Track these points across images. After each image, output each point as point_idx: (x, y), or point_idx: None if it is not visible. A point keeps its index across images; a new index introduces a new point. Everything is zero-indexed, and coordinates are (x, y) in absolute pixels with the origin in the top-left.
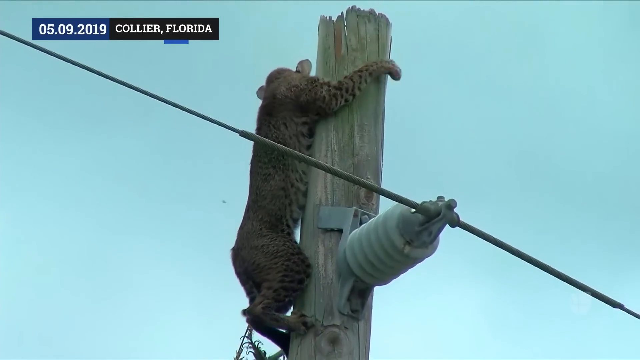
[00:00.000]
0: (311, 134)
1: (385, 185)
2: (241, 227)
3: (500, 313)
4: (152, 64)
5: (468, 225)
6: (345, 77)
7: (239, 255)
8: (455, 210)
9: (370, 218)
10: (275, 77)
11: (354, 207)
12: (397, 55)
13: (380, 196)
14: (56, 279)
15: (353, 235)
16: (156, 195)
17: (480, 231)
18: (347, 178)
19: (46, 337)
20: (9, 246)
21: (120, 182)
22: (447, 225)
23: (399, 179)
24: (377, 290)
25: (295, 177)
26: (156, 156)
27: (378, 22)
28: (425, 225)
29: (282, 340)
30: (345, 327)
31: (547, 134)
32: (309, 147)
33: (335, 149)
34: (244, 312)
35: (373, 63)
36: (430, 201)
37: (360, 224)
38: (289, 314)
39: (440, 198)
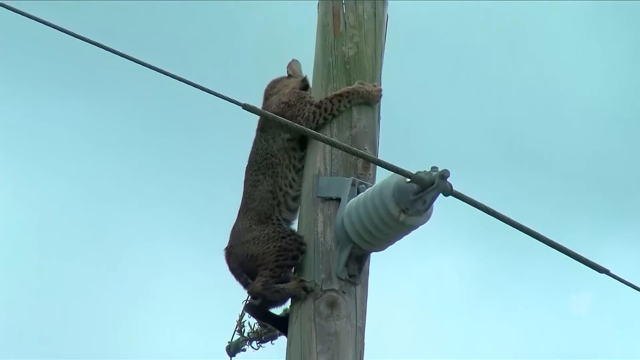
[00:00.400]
0: (302, 147)
1: (381, 156)
2: (233, 228)
3: (489, 276)
4: (155, 36)
5: (461, 194)
6: (326, 98)
7: (231, 253)
8: (448, 180)
9: (367, 187)
10: (269, 93)
11: (352, 177)
12: (394, 34)
13: (377, 166)
14: (51, 248)
15: (351, 203)
16: (157, 167)
17: (473, 200)
18: (345, 149)
19: (43, 308)
20: (3, 216)
21: (121, 153)
22: (441, 194)
23: (395, 151)
24: (374, 256)
25: (284, 183)
26: (158, 128)
27: (375, 1)
28: (419, 194)
29: (281, 324)
30: (343, 292)
31: (534, 111)
32: (301, 159)
33: (334, 121)
34: (248, 294)
35: (353, 91)
36: (425, 171)
37: (358, 193)
38: None
39: (434, 168)
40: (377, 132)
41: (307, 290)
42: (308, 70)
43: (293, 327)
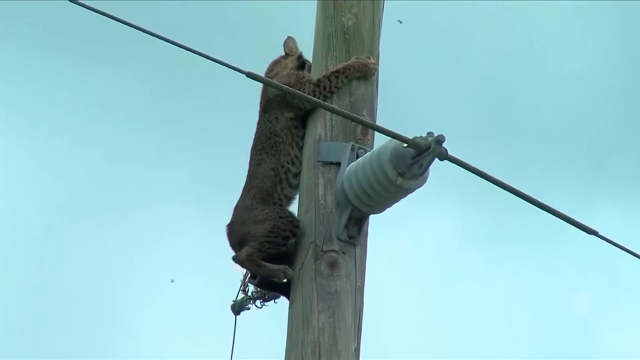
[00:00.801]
0: (303, 125)
1: (379, 122)
2: (236, 205)
3: (480, 236)
4: (163, 6)
5: (456, 158)
6: (324, 76)
7: (232, 230)
8: (443, 144)
9: (365, 152)
10: (268, 76)
11: (351, 142)
12: (391, 4)
13: (375, 132)
14: (61, 209)
15: (350, 168)
16: (164, 131)
17: (467, 164)
18: (344, 115)
19: (51, 263)
20: (15, 179)
21: (129, 118)
22: (437, 158)
23: (392, 117)
24: (372, 219)
25: (286, 160)
26: (165, 95)
27: None
28: (416, 158)
29: (284, 289)
30: (343, 252)
31: (521, 80)
32: (303, 136)
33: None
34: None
35: (349, 66)
36: (421, 136)
37: (357, 157)
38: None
39: (430, 134)
40: (375, 100)
41: (287, 276)
42: (309, 40)
43: (295, 286)
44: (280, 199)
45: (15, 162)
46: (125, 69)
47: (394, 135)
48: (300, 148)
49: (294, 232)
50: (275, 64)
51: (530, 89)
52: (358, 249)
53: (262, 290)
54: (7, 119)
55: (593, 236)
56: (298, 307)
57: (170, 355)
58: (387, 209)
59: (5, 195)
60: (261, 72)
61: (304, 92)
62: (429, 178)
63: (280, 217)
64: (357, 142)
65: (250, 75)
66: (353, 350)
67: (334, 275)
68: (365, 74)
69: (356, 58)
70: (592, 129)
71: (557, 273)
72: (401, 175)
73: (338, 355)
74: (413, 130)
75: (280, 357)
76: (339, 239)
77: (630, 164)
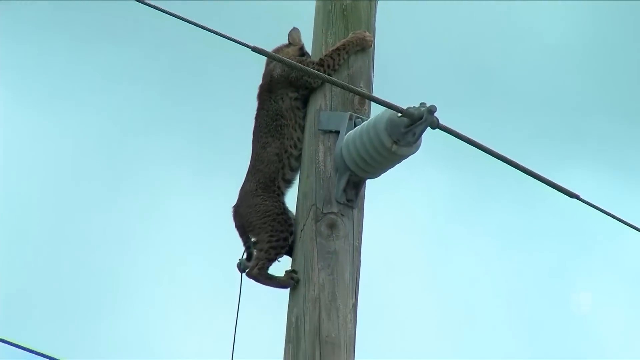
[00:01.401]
0: (304, 105)
1: (375, 93)
2: (242, 187)
3: (464, 198)
4: None
5: (446, 127)
6: (326, 55)
7: (238, 212)
8: (435, 114)
9: (363, 121)
10: (269, 61)
11: (349, 112)
12: None
13: (371, 102)
14: (71, 172)
15: (348, 136)
16: (172, 101)
17: (457, 132)
18: (343, 87)
19: (60, 224)
20: (29, 145)
21: (137, 89)
22: (429, 127)
23: (388, 88)
24: (369, 183)
25: (289, 144)
26: (172, 68)
27: None
28: (409, 127)
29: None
30: (342, 214)
31: (500, 48)
32: (303, 117)
33: None
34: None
35: (348, 42)
36: (414, 107)
37: (355, 126)
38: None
39: (422, 104)
40: (371, 73)
41: (295, 280)
42: (309, 18)
43: (297, 246)
44: (279, 187)
45: (22, 128)
46: (134, 43)
47: (389, 106)
48: (302, 129)
49: (290, 230)
50: (277, 50)
51: (506, 57)
52: (356, 212)
53: None
54: (14, 85)
55: (575, 200)
56: (300, 265)
57: (177, 317)
58: (383, 174)
59: (11, 162)
60: (265, 47)
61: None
62: (421, 145)
63: (278, 214)
64: (354, 112)
65: (256, 49)
66: (351, 306)
67: (333, 235)
68: (364, 46)
69: (353, 33)
70: (567, 96)
71: (540, 236)
72: (396, 142)
73: (337, 310)
74: (406, 101)
75: (283, 313)
76: (338, 202)
77: (605, 129)
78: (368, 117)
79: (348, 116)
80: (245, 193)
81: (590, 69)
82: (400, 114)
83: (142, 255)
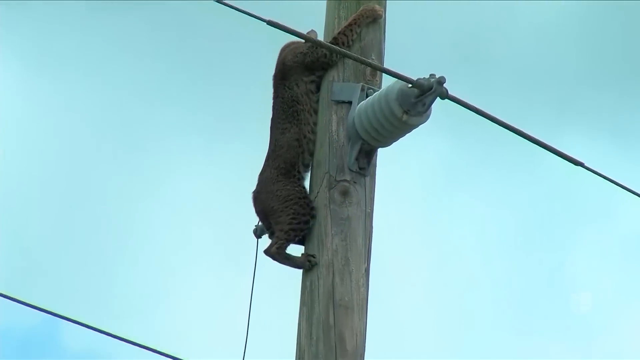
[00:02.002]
0: (317, 89)
1: (386, 65)
2: (261, 173)
3: (471, 166)
4: None
5: (455, 97)
6: (339, 33)
7: (258, 198)
8: (444, 85)
9: (374, 92)
10: (284, 49)
11: (361, 83)
12: None
13: (383, 74)
14: (81, 140)
15: (360, 106)
16: (187, 73)
17: (465, 102)
18: (355, 59)
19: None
20: (42, 113)
21: (149, 60)
22: (438, 97)
23: (398, 60)
24: (380, 152)
25: (307, 130)
26: (185, 41)
27: None
28: (419, 97)
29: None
30: (354, 182)
31: (494, 23)
32: (317, 101)
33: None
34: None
35: (359, 16)
36: (424, 78)
37: (366, 97)
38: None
39: (432, 75)
40: (382, 45)
41: (312, 263)
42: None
43: None
44: (299, 171)
45: (31, 98)
46: (142, 13)
47: (399, 77)
48: (316, 113)
49: (312, 213)
50: (291, 42)
51: (500, 31)
52: (368, 179)
53: None
54: (23, 56)
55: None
56: (313, 231)
57: (193, 283)
58: (394, 143)
59: (22, 132)
60: (278, 47)
61: (320, 53)
62: (431, 115)
63: (299, 198)
64: (366, 83)
65: (270, 23)
66: (363, 271)
67: (346, 202)
68: (375, 17)
69: (363, 7)
70: (565, 67)
71: (542, 202)
72: (406, 112)
73: (350, 274)
74: (417, 72)
75: (297, 278)
76: (351, 170)
77: (599, 98)
78: (379, 88)
79: (360, 87)
80: (265, 179)
81: (584, 42)
82: (410, 85)
83: (153, 225)
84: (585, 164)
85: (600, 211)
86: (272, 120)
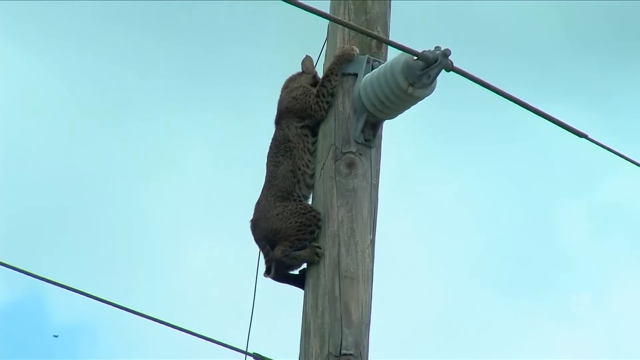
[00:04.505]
0: (314, 134)
1: (392, 37)
2: (258, 203)
3: (473, 136)
4: None
5: (461, 70)
6: (319, 84)
7: (257, 225)
8: (449, 57)
9: (380, 65)
10: (284, 87)
11: (367, 55)
12: None
13: (388, 46)
14: (86, 111)
15: (366, 78)
16: (167, 44)
17: (471, 75)
18: (361, 31)
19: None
20: (40, 89)
21: (133, 33)
22: (443, 70)
23: (404, 32)
24: (386, 124)
25: (301, 164)
26: (166, 10)
27: None
28: (425, 70)
29: (299, 281)
30: (360, 154)
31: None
32: (314, 143)
33: (352, 7)
34: (268, 262)
35: (332, 65)
36: (429, 50)
37: (372, 69)
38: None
39: (437, 47)
40: (388, 17)
41: (319, 256)
42: None
43: (317, 185)
44: (299, 196)
45: (20, 72)
46: None
47: (405, 49)
48: (312, 154)
49: (318, 225)
50: (291, 80)
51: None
52: (373, 151)
53: None
54: (10, 29)
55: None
56: (320, 203)
57: (197, 259)
58: (399, 115)
59: (12, 105)
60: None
61: (307, 104)
62: (436, 88)
63: (304, 213)
64: (372, 56)
65: None
66: (369, 242)
67: (352, 174)
68: (349, 59)
69: (336, 54)
70: (546, 34)
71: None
72: (412, 85)
73: (355, 245)
74: (422, 44)
75: None
76: (356, 142)
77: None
78: (385, 60)
79: (366, 59)
80: (263, 207)
81: (565, 8)
82: (415, 57)
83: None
84: (589, 136)
85: (602, 181)
86: (267, 156)
